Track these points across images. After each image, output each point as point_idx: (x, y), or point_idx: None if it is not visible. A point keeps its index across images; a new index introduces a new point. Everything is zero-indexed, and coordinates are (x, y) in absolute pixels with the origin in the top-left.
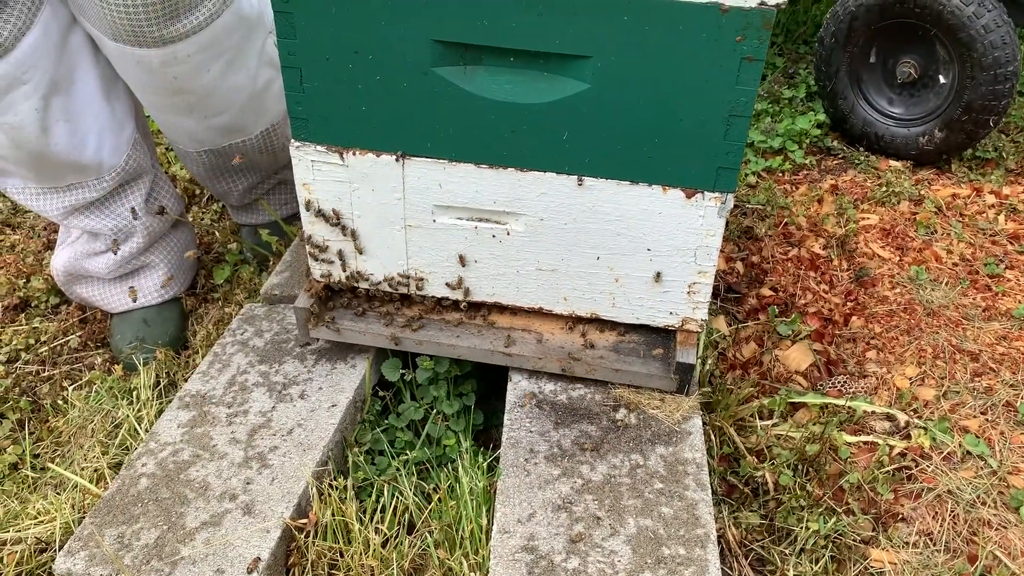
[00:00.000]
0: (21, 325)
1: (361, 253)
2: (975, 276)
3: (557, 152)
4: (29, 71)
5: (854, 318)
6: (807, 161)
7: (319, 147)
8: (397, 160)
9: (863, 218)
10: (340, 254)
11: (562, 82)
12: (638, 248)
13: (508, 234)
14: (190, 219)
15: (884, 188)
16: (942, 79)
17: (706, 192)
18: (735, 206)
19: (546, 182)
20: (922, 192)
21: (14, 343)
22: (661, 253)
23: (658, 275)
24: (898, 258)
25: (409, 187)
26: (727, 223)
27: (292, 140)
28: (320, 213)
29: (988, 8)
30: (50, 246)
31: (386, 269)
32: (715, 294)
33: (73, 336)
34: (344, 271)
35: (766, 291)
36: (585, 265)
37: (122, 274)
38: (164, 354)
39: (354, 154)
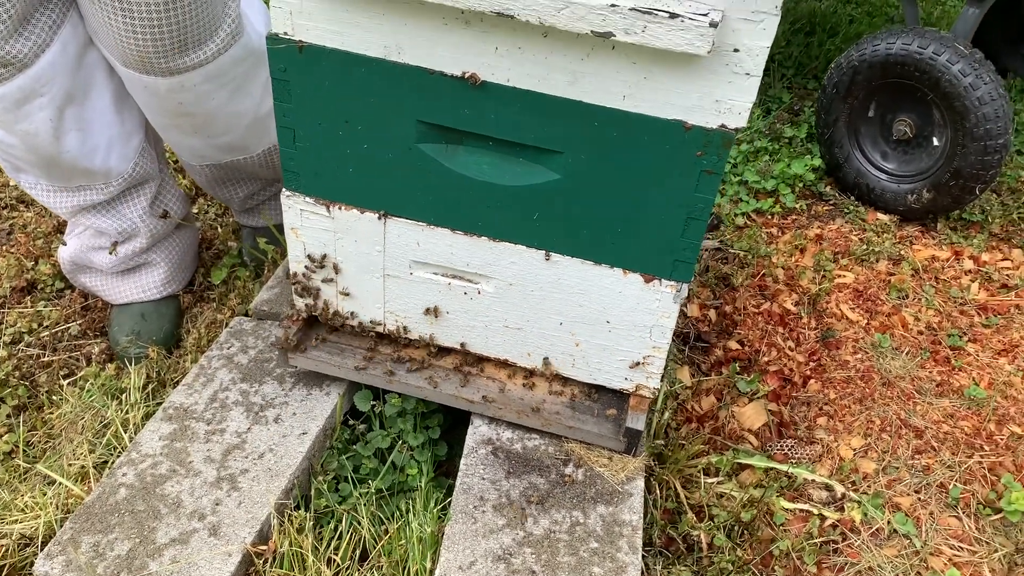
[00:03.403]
0: (26, 308)
1: (342, 294)
2: (937, 347)
3: (527, 229)
4: (46, 85)
5: (812, 381)
6: (798, 205)
7: (308, 198)
8: (379, 218)
9: (839, 275)
10: (322, 292)
11: (535, 169)
12: (598, 320)
13: (479, 293)
14: (195, 210)
15: (865, 247)
16: (935, 141)
17: (663, 280)
18: (718, 249)
19: (516, 253)
20: (902, 252)
21: (18, 325)
22: (619, 327)
23: (615, 346)
24: (866, 321)
25: (389, 242)
26: (707, 268)
27: (284, 189)
28: (307, 255)
29: (985, 81)
30: (60, 229)
31: (364, 310)
32: (685, 341)
33: (74, 324)
34: (326, 309)
35: (733, 344)
36: (549, 328)
37: (123, 270)
38: (156, 352)
39: (340, 208)
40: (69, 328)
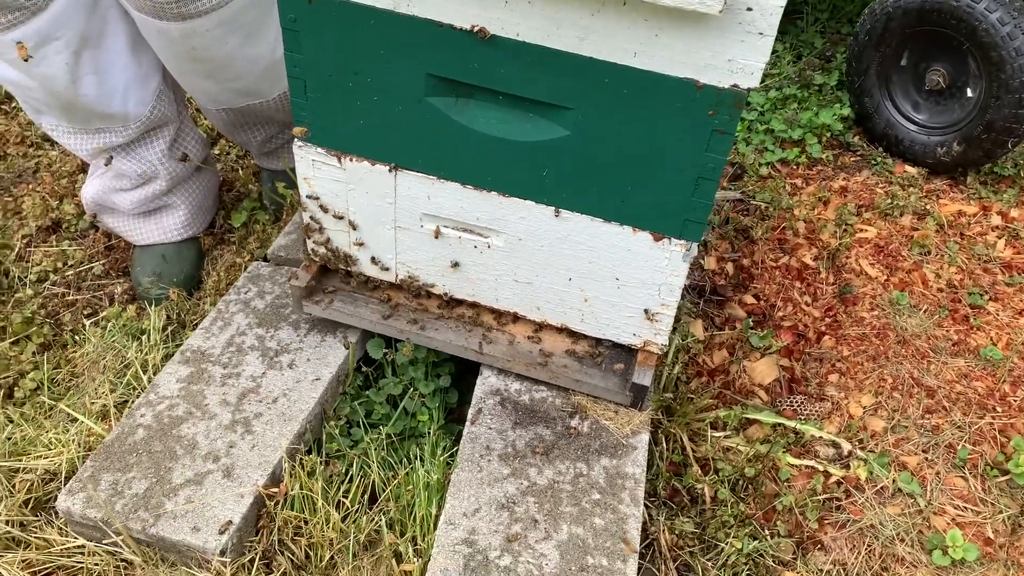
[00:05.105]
0: (51, 247)
1: (355, 244)
2: (956, 305)
3: (537, 185)
4: (61, 28)
5: (826, 337)
6: (824, 156)
7: (319, 149)
8: (390, 171)
9: (861, 229)
10: (335, 241)
11: (545, 125)
12: (607, 276)
13: (489, 247)
14: (216, 152)
15: (889, 200)
16: (969, 92)
17: (673, 239)
18: (739, 200)
19: (525, 208)
20: (928, 206)
21: (44, 264)
22: (628, 284)
23: (624, 302)
24: (885, 277)
25: (400, 195)
26: (727, 220)
27: (295, 139)
28: (319, 204)
29: (1023, 30)
30: (84, 168)
31: (376, 259)
32: (700, 294)
33: (97, 263)
34: (338, 257)
35: (749, 298)
36: (558, 283)
37: (144, 211)
38: (177, 294)
39: (351, 160)
40: (93, 268)
